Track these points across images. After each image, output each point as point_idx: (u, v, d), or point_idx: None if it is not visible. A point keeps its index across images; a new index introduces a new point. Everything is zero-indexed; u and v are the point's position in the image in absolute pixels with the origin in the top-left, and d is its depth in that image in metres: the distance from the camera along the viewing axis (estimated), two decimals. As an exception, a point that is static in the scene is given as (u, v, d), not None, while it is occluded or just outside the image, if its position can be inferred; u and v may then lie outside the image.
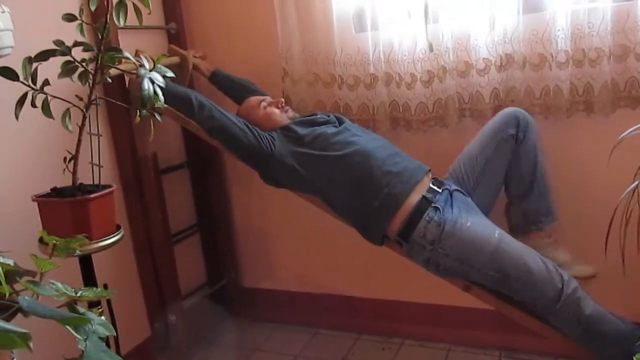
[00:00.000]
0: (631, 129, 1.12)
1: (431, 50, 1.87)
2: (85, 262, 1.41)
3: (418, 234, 1.64)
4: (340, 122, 1.90)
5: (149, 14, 1.46)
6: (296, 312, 2.47)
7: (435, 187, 1.72)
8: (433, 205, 1.66)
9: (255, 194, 2.47)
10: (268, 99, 2.00)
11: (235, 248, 2.58)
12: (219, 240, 2.52)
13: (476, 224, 1.64)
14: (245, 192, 2.51)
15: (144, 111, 1.35)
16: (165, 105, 1.40)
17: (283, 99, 2.01)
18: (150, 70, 1.35)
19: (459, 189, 1.75)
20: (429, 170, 1.79)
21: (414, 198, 1.68)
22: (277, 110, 1.96)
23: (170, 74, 1.41)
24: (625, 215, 1.07)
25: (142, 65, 1.34)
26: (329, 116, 1.93)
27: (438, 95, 1.91)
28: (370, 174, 1.71)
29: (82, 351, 0.78)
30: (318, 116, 1.93)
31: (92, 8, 1.24)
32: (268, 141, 1.80)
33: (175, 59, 2.07)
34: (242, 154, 1.85)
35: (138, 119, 1.36)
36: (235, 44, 2.32)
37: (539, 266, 1.56)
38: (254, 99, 2.02)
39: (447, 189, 1.73)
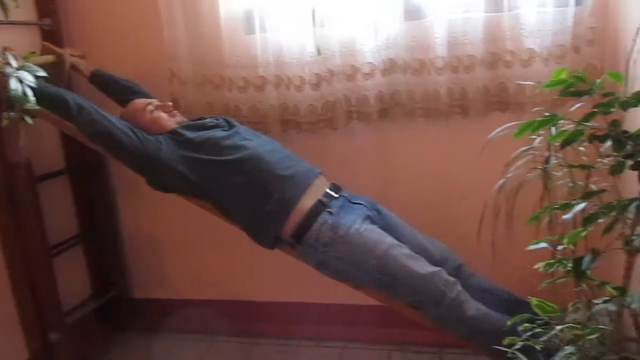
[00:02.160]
0: (497, 130, 1.20)
1: (319, 53, 1.90)
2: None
3: (311, 236, 1.66)
4: (231, 126, 1.88)
5: (17, 7, 1.36)
6: (191, 320, 2.39)
7: (332, 193, 1.75)
8: (328, 209, 1.68)
9: (144, 200, 2.37)
10: (155, 102, 1.92)
11: (123, 258, 2.46)
12: (105, 250, 2.39)
13: (370, 231, 1.68)
14: (133, 198, 2.40)
15: (13, 114, 1.25)
16: (37, 107, 1.30)
17: (171, 103, 1.94)
18: (18, 69, 1.25)
19: (370, 215, 1.76)
20: (320, 173, 1.81)
21: (308, 201, 1.70)
22: (164, 115, 1.88)
23: (41, 73, 1.32)
24: (495, 210, 1.15)
25: (8, 64, 1.24)
26: (218, 120, 1.90)
27: (326, 97, 1.95)
28: (261, 178, 1.71)
29: None
30: (207, 120, 1.89)
31: (-53, -1, 1.13)
32: (154, 146, 1.73)
33: (50, 58, 1.93)
34: (127, 160, 1.76)
35: (6, 122, 1.26)
36: (119, 43, 2.21)
37: (424, 271, 1.60)
38: (139, 102, 1.93)
39: (344, 196, 1.77)
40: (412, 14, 1.89)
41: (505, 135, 1.30)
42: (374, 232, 1.68)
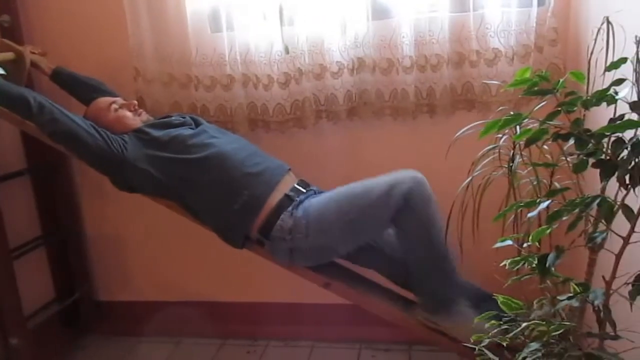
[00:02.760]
0: (464, 129, 1.22)
1: (287, 52, 1.89)
2: None
3: (277, 229, 1.65)
4: (197, 124, 1.85)
5: (-28, 3, 1.31)
6: (157, 323, 2.35)
7: (300, 187, 1.74)
8: (294, 203, 1.68)
9: (108, 201, 2.32)
10: (119, 100, 1.88)
11: (87, 259, 2.40)
12: (68, 252, 2.32)
13: (316, 197, 1.69)
14: (97, 198, 2.34)
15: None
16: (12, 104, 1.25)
17: (136, 102, 1.90)
18: (-25, 66, 1.20)
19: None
20: (289, 170, 1.81)
21: (276, 197, 1.69)
22: (129, 114, 1.84)
23: (0, 71, 1.27)
24: (461, 208, 1.17)
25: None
26: (184, 118, 1.87)
27: (295, 96, 1.94)
28: (229, 176, 1.68)
29: None
30: (173, 118, 1.86)
31: None
32: (119, 145, 1.69)
33: (9, 55, 1.87)
34: (90, 160, 1.72)
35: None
36: (81, 40, 2.16)
37: (383, 187, 1.59)
38: (103, 100, 1.88)
39: (313, 190, 1.76)
40: (379, 14, 1.89)
41: (471, 134, 1.31)
42: (325, 194, 1.70)
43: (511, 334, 0.94)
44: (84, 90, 1.97)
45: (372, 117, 1.96)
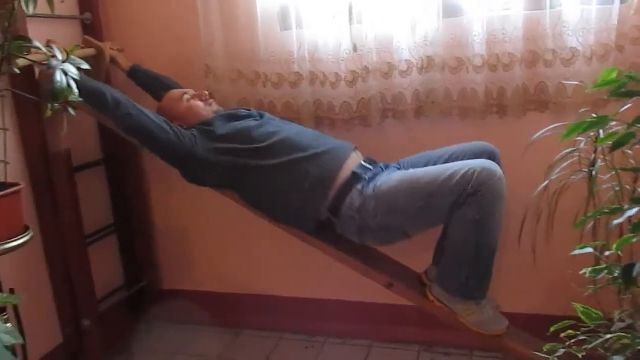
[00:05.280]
0: (543, 131, 1.18)
1: (355, 50, 1.89)
2: (-12, 266, 1.30)
3: (346, 206, 1.65)
4: (262, 116, 1.88)
5: (62, 2, 1.38)
6: (218, 313, 2.42)
7: (367, 165, 1.74)
8: (362, 180, 1.67)
9: (175, 193, 2.40)
10: (191, 91, 1.94)
11: (153, 249, 2.49)
12: (136, 241, 2.42)
13: (389, 177, 1.66)
14: (165, 190, 2.42)
15: (56, 105, 1.27)
16: (80, 100, 1.32)
17: (207, 92, 1.96)
18: (64, 62, 1.27)
19: (395, 166, 1.76)
20: (356, 148, 1.80)
21: (344, 174, 1.68)
22: (200, 104, 1.91)
23: (85, 65, 1.33)
24: (537, 212, 1.13)
25: (54, 56, 1.26)
26: (250, 110, 1.91)
27: (361, 95, 1.94)
28: (297, 158, 1.70)
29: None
30: (239, 110, 1.90)
31: (-2, -8, 1.15)
32: (190, 140, 1.74)
33: (91, 51, 1.97)
34: (162, 154, 1.78)
35: (49, 113, 1.28)
36: (156, 38, 2.24)
37: (452, 170, 1.55)
38: (176, 91, 1.95)
39: (380, 167, 1.76)
40: (450, 12, 1.86)
41: (545, 136, 1.27)
42: (393, 175, 1.67)
43: (590, 346, 0.90)
44: (157, 87, 2.05)
45: (440, 117, 1.93)
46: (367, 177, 1.67)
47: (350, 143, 1.81)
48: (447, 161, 1.69)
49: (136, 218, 2.40)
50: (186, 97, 1.90)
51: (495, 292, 1.69)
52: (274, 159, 1.71)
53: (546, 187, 1.13)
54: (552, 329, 0.96)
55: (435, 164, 1.69)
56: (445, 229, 1.73)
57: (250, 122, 1.81)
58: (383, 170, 1.75)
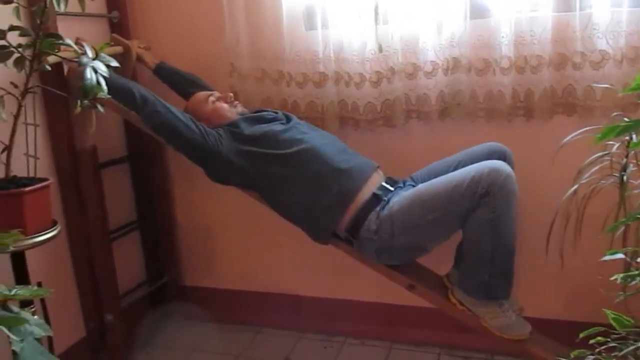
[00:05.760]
0: (574, 134, 1.16)
1: (380, 51, 1.88)
2: (18, 259, 1.33)
3: (364, 229, 1.65)
4: (288, 120, 1.89)
5: (93, 0, 1.40)
6: (238, 311, 2.44)
7: (387, 186, 1.74)
8: (382, 201, 1.67)
9: (198, 190, 2.41)
10: (216, 93, 1.96)
11: (176, 245, 2.51)
12: (159, 237, 2.44)
13: (399, 195, 1.67)
14: (188, 188, 2.44)
15: (86, 102, 1.29)
16: (109, 96, 1.34)
17: (232, 94, 1.97)
18: (93, 59, 1.29)
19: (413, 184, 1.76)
20: (378, 167, 1.80)
21: (364, 195, 1.69)
22: (225, 105, 1.92)
23: (114, 63, 1.36)
24: (565, 217, 1.11)
25: (84, 54, 1.28)
26: (277, 113, 1.91)
27: (386, 95, 1.93)
28: (319, 171, 1.70)
29: (16, 353, 0.73)
30: (266, 113, 1.90)
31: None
32: (215, 139, 1.75)
33: (118, 49, 1.99)
34: (187, 152, 1.79)
35: (79, 109, 1.30)
36: (181, 36, 2.26)
37: (465, 175, 1.55)
38: (202, 93, 1.97)
39: (400, 185, 1.75)
40: (478, 13, 1.85)
41: (573, 140, 1.26)
42: (407, 192, 1.67)
43: (621, 353, 0.89)
44: (183, 84, 2.07)
45: (465, 119, 1.91)
46: (386, 199, 1.68)
47: (373, 161, 1.81)
48: (455, 169, 1.69)
49: (159, 215, 2.42)
50: (211, 99, 1.92)
51: (518, 296, 1.68)
52: (297, 168, 1.72)
53: (575, 191, 1.11)
54: (581, 335, 0.95)
55: (445, 173, 1.68)
56: (463, 233, 1.73)
57: (277, 126, 1.82)
58: (402, 187, 1.75)
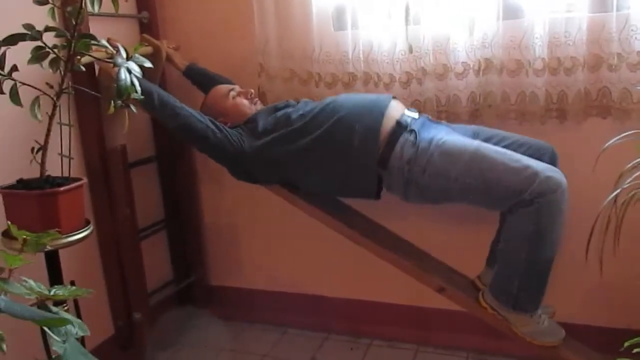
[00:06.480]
0: (617, 137, 1.13)
1: (411, 51, 1.86)
2: (52, 258, 1.34)
3: (395, 157, 1.62)
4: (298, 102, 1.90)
5: (126, 1, 1.41)
6: (264, 311, 2.44)
7: (410, 113, 1.72)
8: (408, 129, 1.65)
9: (225, 191, 2.42)
10: (237, 88, 1.96)
11: (203, 245, 2.52)
12: (186, 237, 2.46)
13: (452, 139, 1.62)
14: (215, 188, 2.45)
15: (119, 102, 1.29)
16: (142, 97, 1.34)
17: (252, 90, 1.97)
18: (127, 60, 1.29)
19: (454, 129, 1.73)
20: (395, 97, 1.79)
21: (388, 124, 1.66)
22: (246, 101, 1.93)
23: (148, 64, 1.36)
24: (606, 222, 1.09)
25: (119, 54, 1.29)
26: (288, 101, 1.92)
27: (415, 96, 1.91)
28: (336, 120, 1.69)
29: (59, 354, 0.74)
30: (278, 103, 1.91)
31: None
32: (238, 139, 1.76)
33: (148, 49, 2.01)
34: (211, 153, 1.80)
35: (112, 109, 1.31)
36: (210, 36, 2.27)
37: (517, 164, 1.50)
38: (222, 87, 1.97)
39: (424, 117, 1.74)
40: (511, 13, 1.82)
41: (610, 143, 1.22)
42: (458, 140, 1.63)
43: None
44: (213, 86, 2.06)
45: (496, 120, 1.88)
46: (414, 129, 1.64)
47: (387, 94, 1.79)
48: (507, 146, 1.63)
49: (186, 214, 2.43)
50: (232, 93, 1.92)
51: (553, 301, 1.64)
52: (318, 130, 1.70)
53: (616, 196, 1.08)
54: (626, 344, 0.92)
55: (486, 140, 1.65)
56: (498, 233, 1.70)
57: (288, 109, 1.83)
58: (429, 119, 1.73)
